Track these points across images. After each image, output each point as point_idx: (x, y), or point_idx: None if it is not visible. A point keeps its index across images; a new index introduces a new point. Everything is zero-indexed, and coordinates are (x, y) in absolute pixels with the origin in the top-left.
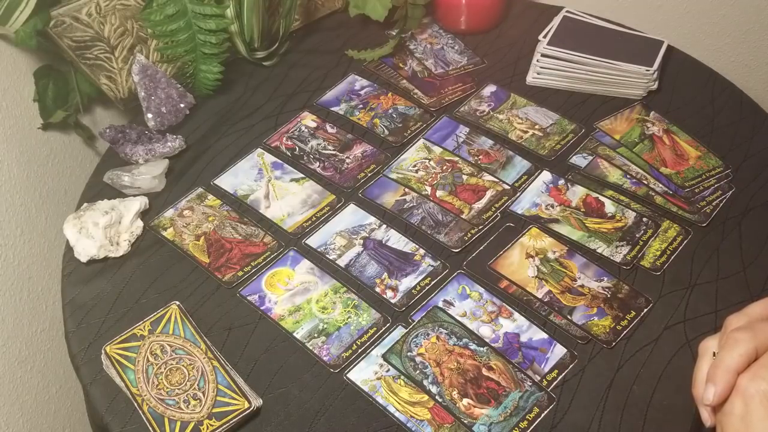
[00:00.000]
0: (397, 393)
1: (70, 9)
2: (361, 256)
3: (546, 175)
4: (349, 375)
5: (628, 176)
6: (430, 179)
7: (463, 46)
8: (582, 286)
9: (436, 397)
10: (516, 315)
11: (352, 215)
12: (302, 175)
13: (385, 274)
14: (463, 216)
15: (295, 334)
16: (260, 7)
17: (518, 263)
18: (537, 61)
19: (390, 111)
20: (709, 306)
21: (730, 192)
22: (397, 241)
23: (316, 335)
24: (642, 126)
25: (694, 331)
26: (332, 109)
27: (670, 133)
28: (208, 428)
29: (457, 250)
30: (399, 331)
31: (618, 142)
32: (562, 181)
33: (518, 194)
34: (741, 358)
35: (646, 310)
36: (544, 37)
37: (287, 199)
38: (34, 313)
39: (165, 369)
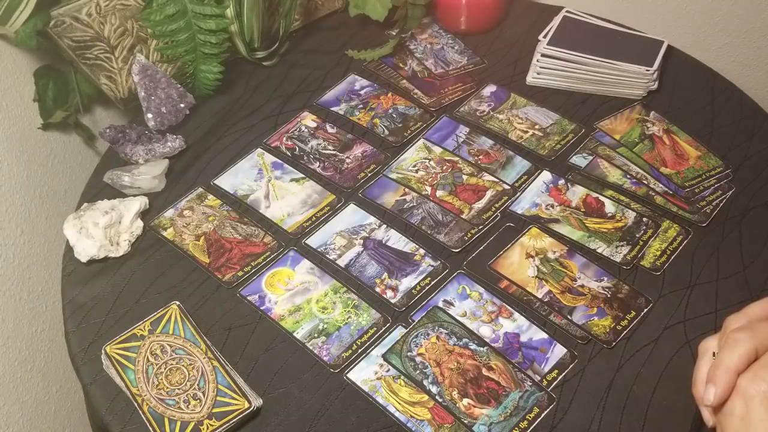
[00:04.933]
0: (397, 393)
1: (70, 9)
2: (361, 256)
3: (546, 175)
4: (349, 375)
5: (628, 176)
6: (430, 179)
7: (463, 46)
8: (582, 286)
9: (436, 397)
10: (516, 315)
11: (352, 215)
12: (302, 175)
13: (385, 274)
14: (463, 216)
15: (295, 334)
16: (260, 7)
17: (518, 263)
18: (537, 61)
19: (390, 111)
20: (709, 306)
21: (730, 192)
22: (397, 241)
23: (316, 335)
24: (642, 126)
25: (694, 331)
26: (332, 109)
27: (670, 133)
28: (208, 428)
29: (457, 250)
30: (399, 331)
31: (618, 142)
32: (562, 181)
33: (518, 194)
34: (741, 358)
35: (646, 310)
36: (544, 37)
37: (287, 199)
38: (34, 313)
39: (165, 369)
